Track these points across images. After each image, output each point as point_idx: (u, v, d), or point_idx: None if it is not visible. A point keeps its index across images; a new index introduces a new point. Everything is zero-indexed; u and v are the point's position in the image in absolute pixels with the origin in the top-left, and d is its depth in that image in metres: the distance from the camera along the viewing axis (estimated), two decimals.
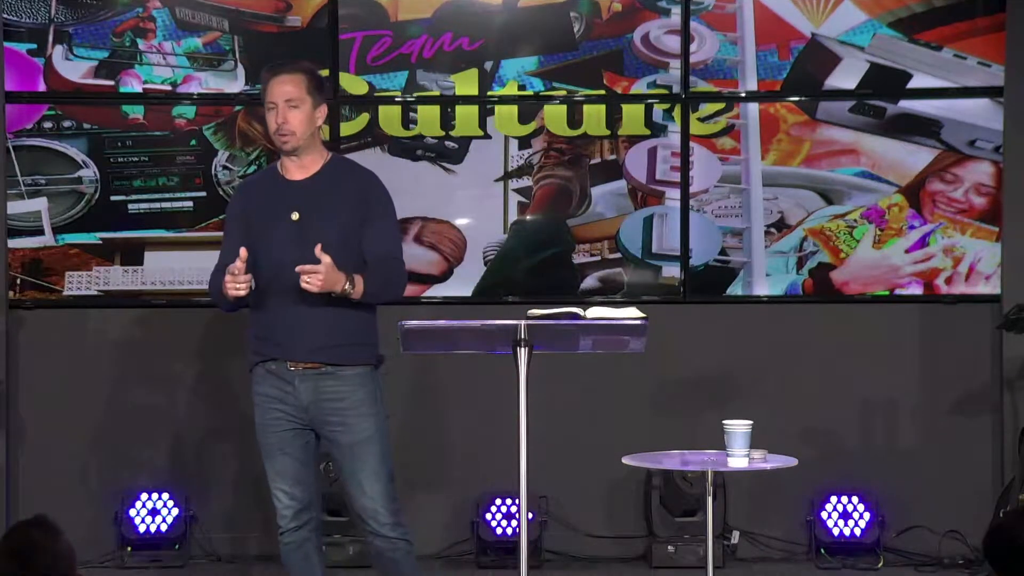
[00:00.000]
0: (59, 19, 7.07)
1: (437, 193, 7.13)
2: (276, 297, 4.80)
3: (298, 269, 4.64)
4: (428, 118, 7.10)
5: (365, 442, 4.86)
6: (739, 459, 4.71)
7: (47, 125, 7.09)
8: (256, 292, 4.78)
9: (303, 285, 4.64)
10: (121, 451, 7.09)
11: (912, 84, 7.07)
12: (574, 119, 7.11)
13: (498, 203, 7.05)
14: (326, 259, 4.62)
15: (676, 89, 7.09)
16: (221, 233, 5.01)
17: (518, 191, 7.11)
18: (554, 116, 7.11)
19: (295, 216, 4.82)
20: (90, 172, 7.09)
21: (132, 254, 7.12)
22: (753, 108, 7.09)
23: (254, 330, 4.85)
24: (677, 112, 7.08)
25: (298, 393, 4.83)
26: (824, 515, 6.95)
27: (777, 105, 7.09)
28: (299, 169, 4.90)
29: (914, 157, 7.09)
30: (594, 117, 7.11)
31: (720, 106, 7.10)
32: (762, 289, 7.12)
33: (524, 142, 7.08)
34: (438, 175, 7.10)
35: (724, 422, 4.75)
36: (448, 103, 7.11)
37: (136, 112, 7.10)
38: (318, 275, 4.62)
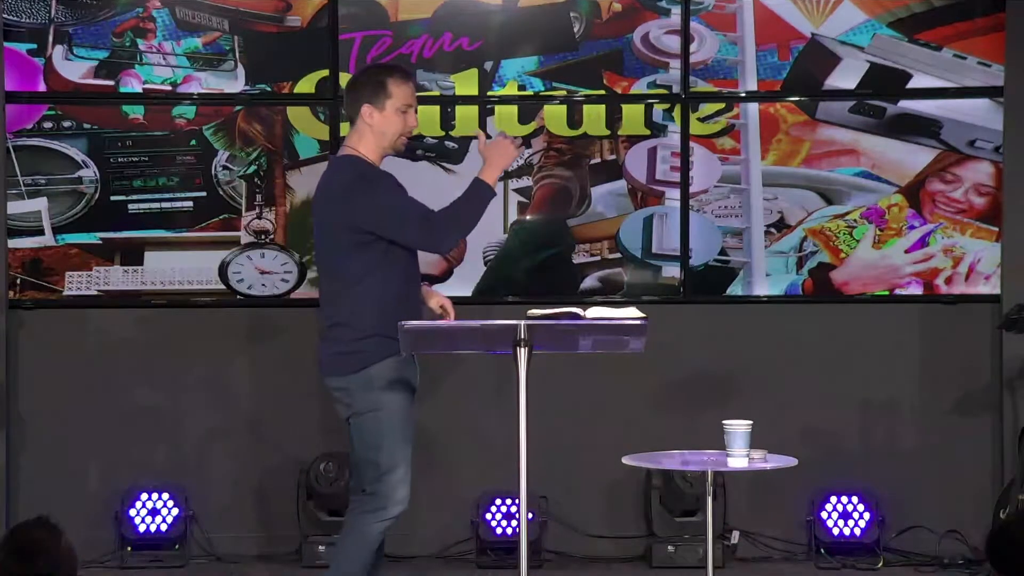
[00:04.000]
0: (59, 19, 7.07)
1: (437, 193, 7.09)
2: (415, 284, 5.09)
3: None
4: (428, 118, 7.09)
5: None
6: (739, 459, 4.72)
7: (47, 125, 7.09)
8: (404, 280, 5.01)
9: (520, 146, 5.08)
10: (121, 451, 7.09)
11: (912, 84, 7.07)
12: (574, 119, 7.12)
13: (498, 203, 7.05)
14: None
15: (676, 89, 7.09)
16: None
17: (518, 191, 7.12)
18: (554, 116, 7.11)
19: None
20: (90, 172, 7.09)
21: (132, 254, 7.12)
22: (753, 108, 7.09)
23: (398, 316, 4.80)
24: (677, 112, 7.08)
25: (417, 377, 5.07)
26: (824, 515, 6.95)
27: (777, 105, 7.09)
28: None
29: (914, 157, 7.09)
30: (594, 117, 7.11)
31: (720, 106, 7.10)
32: (762, 289, 7.12)
33: (524, 142, 7.07)
34: (438, 175, 7.10)
35: (724, 422, 4.75)
36: (448, 103, 7.11)
37: (136, 112, 7.10)
38: None
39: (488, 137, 5.17)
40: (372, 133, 5.06)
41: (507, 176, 7.08)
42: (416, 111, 5.11)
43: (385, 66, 5.17)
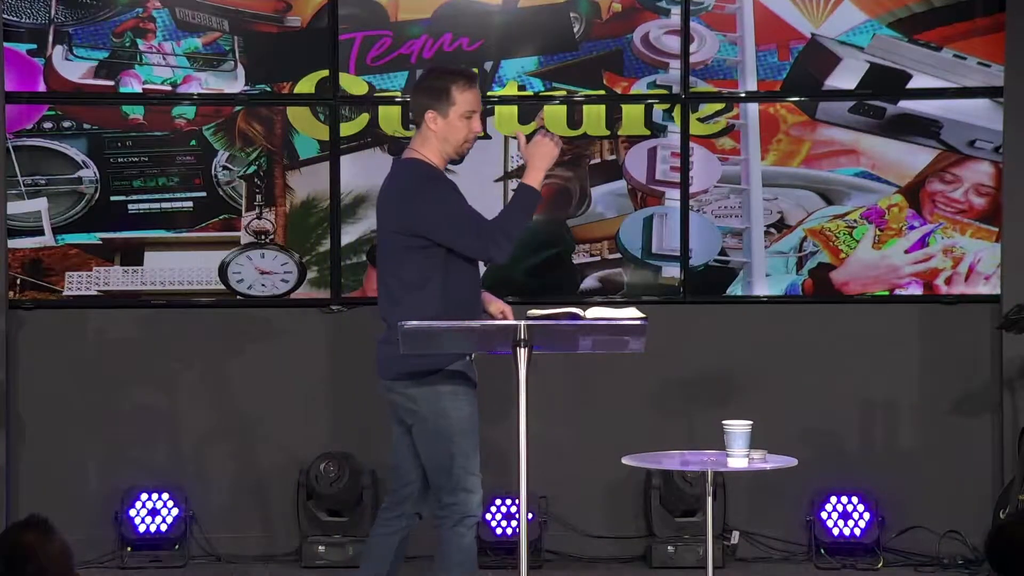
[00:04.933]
0: (59, 19, 7.07)
1: None
2: (477, 290, 5.10)
3: None
4: None
5: None
6: (739, 459, 4.72)
7: (47, 125, 7.09)
8: (466, 285, 5.02)
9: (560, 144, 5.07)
10: (121, 451, 7.10)
11: (912, 84, 7.07)
12: (574, 119, 7.12)
13: (498, 203, 7.03)
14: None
15: (676, 89, 7.09)
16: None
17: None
18: (554, 116, 7.11)
19: None
20: (90, 172, 7.09)
21: (132, 254, 7.12)
22: (753, 108, 7.09)
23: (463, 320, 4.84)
24: (677, 112, 7.08)
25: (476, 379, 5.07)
26: (824, 515, 6.96)
27: (777, 105, 7.09)
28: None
29: (914, 157, 7.09)
30: (594, 117, 7.11)
31: (720, 106, 7.10)
32: (762, 289, 7.12)
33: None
34: None
35: (724, 422, 4.76)
36: None
37: (136, 112, 7.10)
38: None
39: (529, 138, 5.12)
40: (436, 138, 5.03)
41: (507, 176, 7.08)
42: (478, 117, 5.07)
43: (449, 72, 5.09)
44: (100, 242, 7.11)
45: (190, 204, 7.13)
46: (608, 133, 7.10)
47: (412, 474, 5.12)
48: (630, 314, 4.63)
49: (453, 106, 5.01)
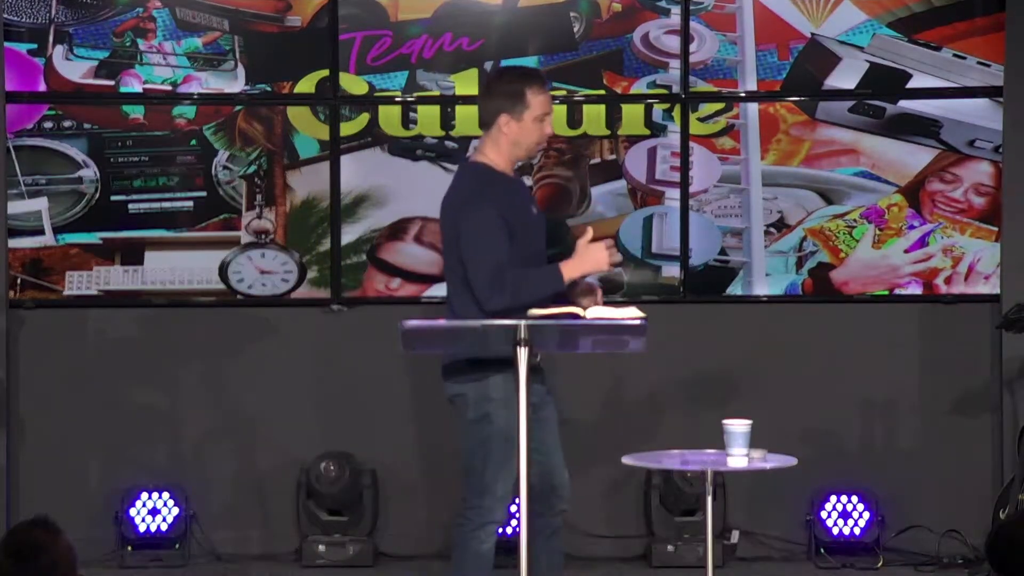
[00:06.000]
0: (59, 19, 7.07)
1: (437, 193, 7.07)
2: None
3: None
4: (428, 118, 7.10)
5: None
6: (739, 459, 4.72)
7: (47, 125, 7.09)
8: None
9: (613, 262, 5.03)
10: (121, 451, 7.10)
11: (912, 84, 7.07)
12: (574, 119, 7.12)
13: None
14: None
15: (676, 89, 7.09)
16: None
17: None
18: (554, 116, 7.09)
19: (534, 211, 5.14)
20: (90, 172, 7.09)
21: (132, 254, 7.12)
22: (753, 108, 7.09)
23: None
24: (677, 112, 7.09)
25: (543, 389, 5.07)
26: (824, 515, 6.96)
27: (777, 105, 7.09)
28: (512, 172, 5.11)
29: (914, 157, 7.09)
30: (594, 117, 7.11)
31: (720, 106, 7.10)
32: (762, 289, 7.12)
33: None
34: (438, 175, 7.09)
35: (724, 422, 4.76)
36: (448, 103, 7.11)
37: (136, 112, 7.10)
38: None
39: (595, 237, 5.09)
40: (507, 142, 5.02)
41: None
42: (550, 119, 5.05)
43: (523, 74, 5.06)
44: (100, 242, 7.11)
45: (190, 204, 7.13)
46: (608, 133, 7.10)
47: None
48: (630, 314, 4.63)
49: (528, 109, 4.98)
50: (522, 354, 4.54)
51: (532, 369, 4.92)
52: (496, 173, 5.02)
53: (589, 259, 4.98)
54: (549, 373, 5.14)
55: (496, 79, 5.19)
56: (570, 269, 4.96)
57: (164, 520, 6.97)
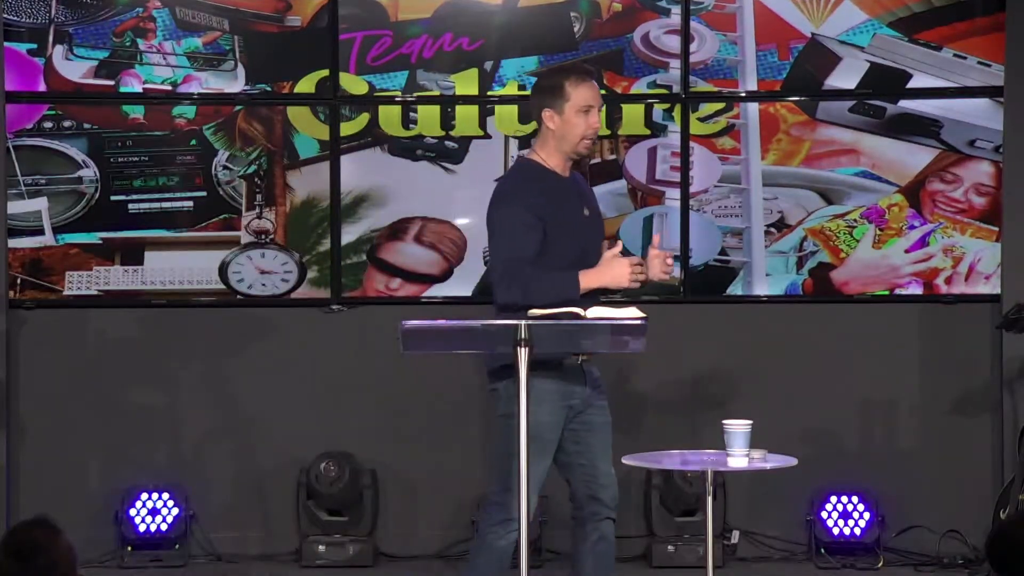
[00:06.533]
0: (59, 19, 7.07)
1: (437, 193, 7.13)
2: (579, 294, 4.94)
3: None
4: (428, 118, 7.10)
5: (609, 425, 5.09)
6: (739, 459, 4.72)
7: (47, 125, 7.09)
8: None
9: (666, 270, 5.03)
10: (121, 451, 7.10)
11: (912, 84, 7.07)
12: None
13: None
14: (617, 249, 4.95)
15: (676, 89, 7.09)
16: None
17: None
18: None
19: (586, 212, 5.08)
20: (90, 172, 7.09)
21: (132, 254, 7.12)
22: (753, 108, 7.09)
23: None
24: (677, 112, 7.08)
25: (585, 391, 4.99)
26: (824, 515, 6.96)
27: (777, 105, 7.09)
28: (566, 170, 5.06)
29: (914, 157, 7.09)
30: None
31: (720, 106, 7.10)
32: (762, 289, 7.12)
33: (524, 142, 7.07)
34: (438, 175, 7.10)
35: (724, 422, 4.75)
36: (448, 103, 7.11)
37: (136, 112, 7.10)
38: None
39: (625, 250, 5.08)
40: (553, 137, 5.02)
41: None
42: (595, 112, 5.00)
43: (563, 68, 5.09)
44: (100, 242, 7.11)
45: (190, 204, 7.13)
46: (608, 133, 7.10)
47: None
48: (630, 314, 4.63)
49: (568, 101, 4.98)
50: (522, 354, 4.53)
51: (574, 371, 4.94)
52: (542, 170, 5.03)
53: (610, 272, 4.96)
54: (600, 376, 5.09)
55: (541, 76, 5.23)
56: (589, 279, 4.95)
57: (164, 520, 6.97)
